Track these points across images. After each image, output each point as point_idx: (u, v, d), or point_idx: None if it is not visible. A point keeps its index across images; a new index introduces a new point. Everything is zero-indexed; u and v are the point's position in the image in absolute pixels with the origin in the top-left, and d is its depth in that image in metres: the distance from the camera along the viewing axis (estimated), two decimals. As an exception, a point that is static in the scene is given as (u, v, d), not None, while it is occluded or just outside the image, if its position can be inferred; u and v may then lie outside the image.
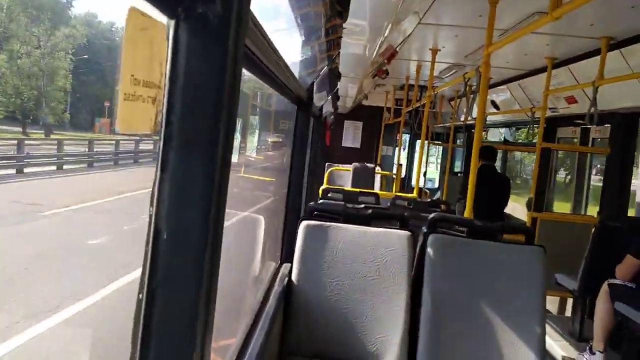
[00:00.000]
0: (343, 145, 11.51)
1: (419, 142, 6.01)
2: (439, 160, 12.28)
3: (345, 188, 5.84)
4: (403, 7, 2.89)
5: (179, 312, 0.74)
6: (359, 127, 11.52)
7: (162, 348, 0.74)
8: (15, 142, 17.76)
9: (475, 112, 4.62)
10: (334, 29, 2.49)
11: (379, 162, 10.29)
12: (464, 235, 2.61)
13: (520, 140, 9.45)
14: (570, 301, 4.33)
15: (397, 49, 4.43)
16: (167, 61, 0.67)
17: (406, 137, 11.86)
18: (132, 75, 0.61)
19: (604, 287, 3.23)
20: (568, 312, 4.50)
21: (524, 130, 6.63)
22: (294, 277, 2.47)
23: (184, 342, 0.75)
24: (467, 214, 3.44)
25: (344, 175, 8.61)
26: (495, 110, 6.94)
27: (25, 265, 7.10)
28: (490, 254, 2.52)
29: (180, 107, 0.69)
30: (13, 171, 15.10)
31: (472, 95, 4.84)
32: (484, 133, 8.20)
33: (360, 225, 2.57)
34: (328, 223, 2.55)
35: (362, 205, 2.73)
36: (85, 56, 34.85)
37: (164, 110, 0.68)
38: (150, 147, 23.39)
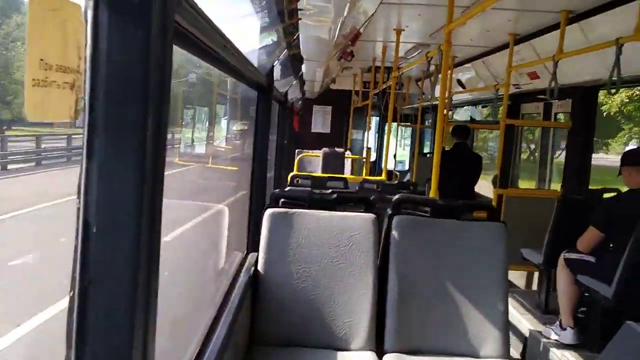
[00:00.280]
0: (313, 131, 11.45)
1: (387, 124, 6.02)
2: (409, 142, 12.36)
3: (314, 174, 5.82)
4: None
5: (116, 309, 0.71)
6: (328, 111, 11.46)
7: (99, 347, 0.71)
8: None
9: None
10: (291, 13, 2.45)
11: (349, 146, 10.29)
12: (429, 216, 2.63)
13: (490, 119, 9.57)
14: (536, 275, 4.43)
15: (361, 30, 4.39)
16: (86, 44, 0.63)
17: (377, 120, 11.87)
18: (42, 60, 0.57)
19: (561, 260, 3.30)
20: (535, 286, 4.60)
21: (490, 109, 6.72)
22: (260, 266, 2.45)
23: (122, 340, 0.72)
24: (433, 194, 3.46)
25: (314, 161, 8.60)
26: (460, 89, 6.99)
27: None
28: (453, 232, 2.55)
29: (104, 92, 0.65)
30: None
31: (438, 75, 4.86)
32: (450, 112, 8.28)
33: (326, 211, 2.56)
34: (293, 210, 2.53)
35: (329, 191, 2.72)
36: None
37: (86, 97, 0.64)
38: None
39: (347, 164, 8.73)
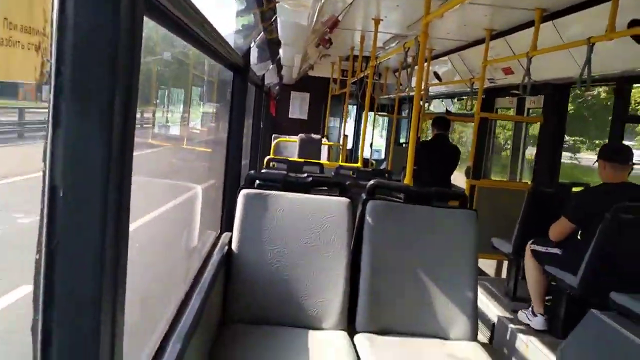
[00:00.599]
0: (290, 116, 11.42)
1: (364, 113, 6.05)
2: (386, 132, 12.44)
3: (290, 158, 5.83)
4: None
5: (83, 274, 0.71)
6: (305, 98, 11.44)
7: (66, 312, 0.71)
8: None
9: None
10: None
11: (325, 133, 10.31)
12: (401, 202, 2.67)
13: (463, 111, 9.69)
14: (505, 264, 4.54)
15: (339, 18, 4.39)
16: (52, 7, 0.63)
17: (354, 109, 11.91)
18: (6, 19, 0.57)
19: (527, 250, 3.39)
20: (504, 274, 4.71)
21: (464, 102, 6.81)
22: (233, 246, 2.46)
23: (90, 305, 0.72)
24: (407, 181, 3.51)
25: (290, 146, 8.59)
26: (436, 81, 7.06)
27: None
28: (425, 218, 2.60)
29: (71, 56, 0.65)
30: None
31: (414, 66, 4.90)
32: (427, 104, 8.36)
33: (300, 193, 2.57)
34: (267, 191, 2.54)
35: (305, 175, 2.73)
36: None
37: (53, 60, 0.64)
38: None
39: (324, 151, 8.75)
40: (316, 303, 2.46)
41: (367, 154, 8.76)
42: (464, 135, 13.04)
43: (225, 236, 2.62)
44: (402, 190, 2.74)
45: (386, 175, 4.58)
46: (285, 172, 2.81)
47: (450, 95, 8.50)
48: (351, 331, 2.45)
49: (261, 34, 2.83)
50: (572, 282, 2.94)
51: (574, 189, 3.73)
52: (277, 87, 9.56)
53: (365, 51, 6.56)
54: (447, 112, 8.66)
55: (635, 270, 2.83)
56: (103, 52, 0.67)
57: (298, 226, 2.50)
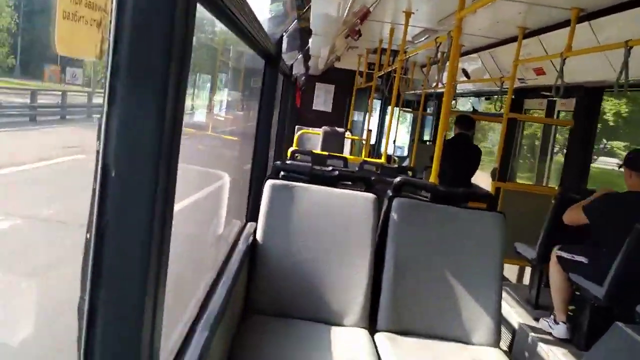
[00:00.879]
0: (314, 108, 11.38)
1: (390, 108, 6.00)
2: (409, 129, 12.33)
3: (314, 151, 5.82)
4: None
5: (131, 253, 0.71)
6: (330, 90, 11.38)
7: (113, 290, 0.71)
8: None
9: (445, 79, 4.62)
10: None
11: (349, 127, 10.26)
12: (427, 200, 2.64)
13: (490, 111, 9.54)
14: (528, 270, 4.46)
15: (371, 9, 4.34)
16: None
17: (378, 104, 11.82)
18: (73, -8, 0.56)
19: (553, 256, 3.33)
20: (526, 281, 4.63)
21: (494, 102, 6.69)
22: (258, 236, 2.46)
23: (136, 284, 0.72)
24: (433, 179, 3.47)
25: (313, 138, 8.57)
26: (465, 79, 6.96)
27: None
28: (451, 219, 2.56)
29: (129, 35, 0.65)
30: None
31: (445, 62, 4.83)
32: (453, 102, 8.25)
33: (326, 187, 2.56)
34: (294, 183, 2.53)
35: (330, 168, 2.72)
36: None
37: (111, 38, 0.63)
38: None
39: (347, 145, 8.71)
40: (338, 299, 2.44)
41: (390, 150, 8.70)
42: (489, 136, 12.85)
43: (250, 226, 2.62)
44: (429, 189, 2.70)
45: (409, 173, 4.53)
46: (310, 165, 2.80)
47: (477, 94, 8.37)
48: (372, 329, 2.43)
49: (294, 22, 2.81)
50: (598, 292, 2.88)
51: None
52: (303, 78, 9.54)
53: (394, 45, 6.50)
54: (474, 110, 8.55)
55: None
56: (159, 33, 0.67)
57: (323, 220, 2.49)
